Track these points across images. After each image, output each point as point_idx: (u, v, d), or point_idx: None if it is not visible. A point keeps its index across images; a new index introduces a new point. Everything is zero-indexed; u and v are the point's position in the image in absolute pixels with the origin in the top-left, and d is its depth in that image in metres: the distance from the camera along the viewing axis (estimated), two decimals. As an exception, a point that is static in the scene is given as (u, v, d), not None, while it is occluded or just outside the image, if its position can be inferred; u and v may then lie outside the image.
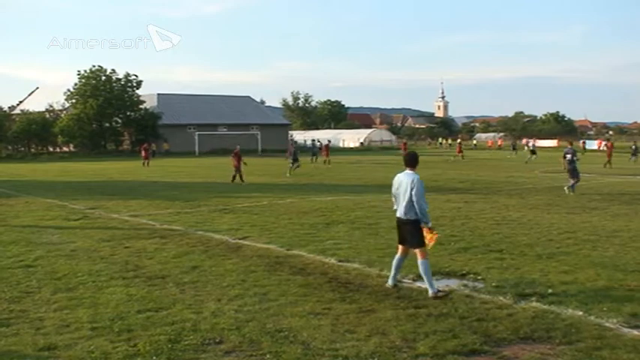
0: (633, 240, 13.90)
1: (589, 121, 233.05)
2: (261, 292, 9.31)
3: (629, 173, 37.91)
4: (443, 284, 9.90)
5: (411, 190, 9.26)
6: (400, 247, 9.69)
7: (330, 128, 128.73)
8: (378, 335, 7.38)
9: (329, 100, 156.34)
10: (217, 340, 7.24)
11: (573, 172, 25.03)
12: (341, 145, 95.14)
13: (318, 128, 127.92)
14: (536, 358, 6.69)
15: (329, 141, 53.75)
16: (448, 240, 13.71)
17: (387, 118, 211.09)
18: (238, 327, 7.68)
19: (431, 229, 9.38)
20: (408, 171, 9.59)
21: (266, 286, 9.66)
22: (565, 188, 24.59)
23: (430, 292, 9.03)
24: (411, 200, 9.26)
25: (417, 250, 9.30)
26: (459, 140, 70.25)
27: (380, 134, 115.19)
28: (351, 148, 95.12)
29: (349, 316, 8.16)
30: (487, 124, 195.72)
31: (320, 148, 51.50)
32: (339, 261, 11.62)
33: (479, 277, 10.30)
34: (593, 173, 38.07)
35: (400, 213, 9.49)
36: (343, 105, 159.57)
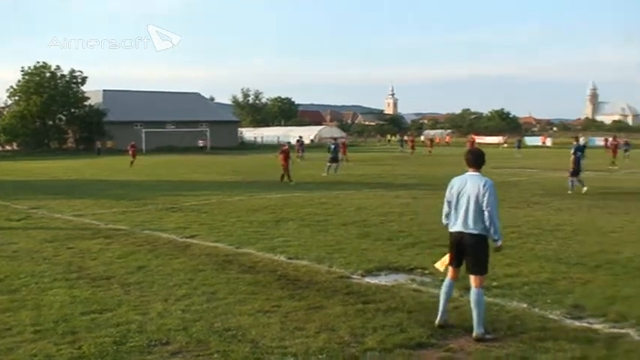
0: (576, 233, 14.23)
1: (533, 118, 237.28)
2: (209, 292, 9.25)
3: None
4: (392, 279, 10.00)
5: (483, 196, 7.32)
6: (451, 269, 7.75)
7: (280, 125, 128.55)
8: (326, 331, 7.40)
9: (279, 97, 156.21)
10: (164, 341, 7.16)
11: (577, 169, 24.28)
12: (292, 142, 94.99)
13: (268, 125, 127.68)
14: (482, 350, 6.80)
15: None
16: (396, 235, 13.86)
17: (337, 115, 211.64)
18: (185, 327, 7.62)
19: (498, 248, 7.58)
20: (472, 172, 7.60)
21: (214, 285, 9.60)
22: (583, 190, 23.41)
23: (477, 332, 7.20)
24: (480, 210, 7.34)
25: (474, 276, 7.43)
26: (408, 136, 70.64)
27: (330, 131, 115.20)
28: (295, 145, 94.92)
29: (298, 313, 8.17)
30: (435, 121, 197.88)
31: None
32: (289, 258, 11.62)
33: (426, 272, 10.42)
34: (536, 168, 38.83)
35: (461, 226, 7.47)
36: (293, 102, 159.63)
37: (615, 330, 7.52)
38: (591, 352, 6.70)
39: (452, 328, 7.48)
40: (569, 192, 23.32)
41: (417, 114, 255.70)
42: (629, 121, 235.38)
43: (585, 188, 23.32)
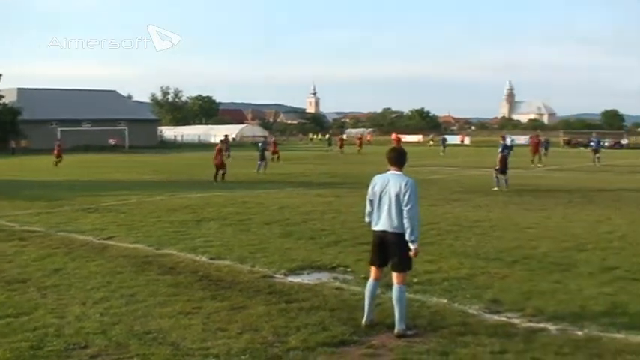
0: (493, 229, 14.57)
1: (452, 117, 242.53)
2: (128, 294, 9.03)
3: (489, 166, 39.65)
4: (314, 277, 10.01)
5: (404, 196, 7.27)
6: (374, 269, 7.68)
7: (201, 124, 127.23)
8: (249, 332, 7.33)
9: (200, 96, 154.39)
10: (82, 345, 6.96)
11: (504, 167, 24.51)
12: (212, 140, 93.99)
13: (188, 124, 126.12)
14: (403, 346, 6.86)
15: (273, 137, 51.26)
16: (319, 234, 13.89)
17: (259, 114, 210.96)
18: (104, 330, 7.42)
19: (414, 252, 7.35)
20: (394, 171, 7.55)
21: (133, 287, 9.38)
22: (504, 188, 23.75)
23: (399, 328, 7.25)
24: (400, 209, 7.30)
25: (397, 273, 7.43)
26: (332, 134, 71.14)
27: (252, 130, 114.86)
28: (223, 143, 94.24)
29: (220, 313, 8.07)
30: (357, 120, 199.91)
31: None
32: (210, 258, 11.47)
33: (349, 270, 10.47)
34: (455, 167, 39.61)
35: (384, 225, 7.43)
36: (214, 100, 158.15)
37: (532, 324, 7.70)
38: (510, 346, 6.84)
39: (375, 325, 7.52)
40: (495, 189, 23.76)
41: (338, 113, 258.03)
42: (545, 120, 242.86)
43: (506, 188, 23.83)
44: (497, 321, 7.80)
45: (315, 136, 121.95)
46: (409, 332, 7.22)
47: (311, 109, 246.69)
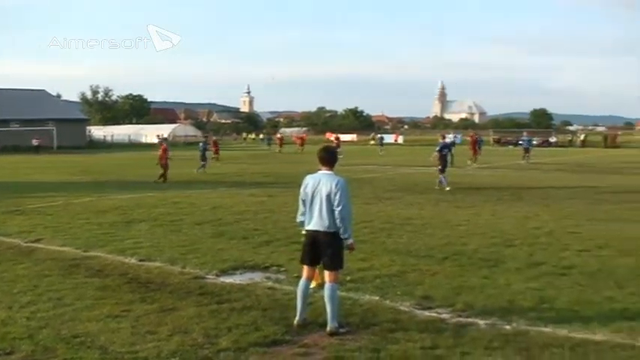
0: (425, 227, 14.74)
1: (386, 116, 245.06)
2: (55, 297, 8.79)
3: (421, 165, 40.19)
4: (247, 277, 9.94)
5: (335, 195, 7.27)
6: (306, 268, 7.67)
7: (132, 123, 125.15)
8: (180, 334, 7.22)
9: (130, 95, 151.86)
10: (8, 351, 6.73)
11: (444, 166, 24.74)
12: (144, 140, 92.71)
13: (119, 123, 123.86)
14: (336, 344, 6.86)
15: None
16: (252, 234, 13.81)
17: (192, 113, 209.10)
18: (31, 335, 7.20)
19: (350, 247, 7.48)
20: (325, 171, 7.54)
21: (61, 291, 9.13)
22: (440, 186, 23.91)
23: (331, 326, 7.24)
24: (332, 209, 7.29)
25: (329, 272, 7.42)
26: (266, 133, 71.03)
27: (184, 129, 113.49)
28: (154, 143, 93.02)
29: (150, 316, 7.93)
30: (291, 119, 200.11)
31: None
32: (140, 260, 11.26)
33: (281, 269, 10.44)
34: (389, 165, 40.01)
35: (316, 225, 7.42)
36: (146, 99, 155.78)
37: (462, 319, 7.80)
38: (440, 342, 6.91)
39: (307, 324, 7.50)
40: (437, 188, 23.93)
41: (272, 112, 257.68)
42: (476, 118, 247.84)
43: (446, 187, 24.05)
44: (427, 317, 7.88)
45: (249, 136, 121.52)
46: (341, 330, 7.23)
47: (245, 109, 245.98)
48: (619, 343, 6.88)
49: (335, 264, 7.43)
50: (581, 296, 8.76)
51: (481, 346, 6.82)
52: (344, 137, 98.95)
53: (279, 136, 69.35)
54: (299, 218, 7.79)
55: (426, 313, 8.07)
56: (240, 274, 10.28)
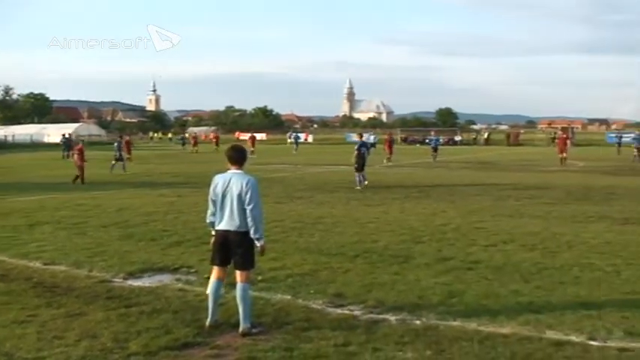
0: (336, 225, 14.83)
1: (295, 115, 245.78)
2: (-46, 304, 8.40)
3: (332, 163, 40.48)
4: (156, 280, 9.75)
5: (245, 194, 7.24)
6: (217, 269, 7.56)
7: (33, 123, 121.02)
8: (87, 339, 7.00)
9: (32, 93, 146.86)
10: None
11: (362, 164, 24.71)
12: (46, 140, 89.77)
13: (20, 123, 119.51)
14: (249, 345, 6.80)
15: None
16: (161, 235, 13.56)
17: (96, 112, 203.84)
18: None
19: (261, 249, 7.42)
20: (235, 170, 7.49)
21: (-40, 297, 8.74)
22: (364, 184, 24.19)
23: (243, 326, 7.21)
24: (243, 208, 7.25)
25: (240, 272, 7.39)
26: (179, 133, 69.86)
27: (88, 129, 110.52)
28: (57, 143, 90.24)
29: (57, 321, 7.66)
30: (199, 118, 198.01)
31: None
32: (45, 264, 10.88)
33: (192, 270, 10.30)
34: (299, 164, 40.11)
35: (226, 224, 7.36)
36: (48, 98, 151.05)
37: (374, 315, 7.88)
38: (352, 338, 6.95)
39: (219, 325, 7.41)
40: (358, 188, 23.85)
41: (180, 111, 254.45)
42: (384, 118, 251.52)
43: (366, 182, 24.20)
44: (340, 314, 7.92)
45: (155, 135, 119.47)
46: (254, 330, 7.18)
47: (151, 107, 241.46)
48: (526, 336, 7.08)
49: (246, 263, 7.37)
50: (488, 290, 8.99)
51: (392, 341, 6.90)
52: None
53: (193, 135, 68.12)
54: (209, 219, 7.68)
55: (339, 310, 8.11)
56: (149, 276, 10.07)
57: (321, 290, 8.97)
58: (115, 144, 35.28)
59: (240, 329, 7.17)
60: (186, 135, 69.38)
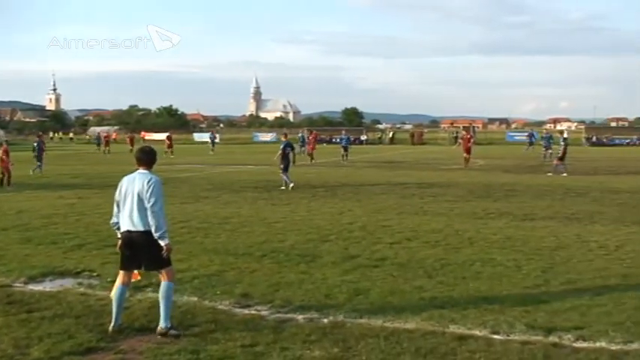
0: (243, 225, 14.78)
1: (201, 115, 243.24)
2: None
3: (239, 163, 40.30)
4: (57, 284, 9.48)
5: (147, 193, 7.09)
6: (122, 273, 7.41)
7: None
8: (-15, 346, 6.76)
9: None
10: None
11: (287, 165, 24.51)
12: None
13: None
14: (154, 348, 6.70)
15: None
16: (62, 238, 13.17)
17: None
18: None
19: (167, 248, 7.19)
20: (142, 171, 7.35)
21: None
22: (290, 186, 23.77)
23: (162, 325, 7.08)
24: (143, 207, 7.11)
25: (162, 271, 7.28)
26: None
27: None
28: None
29: (-48, 329, 7.36)
30: (101, 118, 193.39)
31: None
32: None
33: (94, 274, 10.06)
34: (205, 164, 39.74)
35: (128, 224, 7.22)
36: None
37: (281, 315, 7.91)
38: (260, 338, 6.95)
39: (123, 329, 7.27)
40: (283, 187, 23.64)
41: (81, 110, 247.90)
42: (291, 117, 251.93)
43: (289, 186, 23.89)
44: (247, 315, 7.91)
45: (56, 135, 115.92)
46: (173, 332, 7.07)
47: (51, 107, 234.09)
48: (430, 331, 7.24)
49: (161, 262, 7.24)
50: (393, 287, 9.16)
51: (300, 340, 6.94)
52: (158, 136, 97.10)
53: (105, 135, 66.01)
54: (113, 220, 7.54)
55: (246, 311, 8.09)
56: (51, 280, 9.78)
57: (227, 291, 8.93)
58: (35, 144, 34.19)
59: (159, 328, 7.08)
60: (106, 134, 67.00)
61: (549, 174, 29.92)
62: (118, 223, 7.43)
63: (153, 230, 7.10)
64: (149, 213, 7.08)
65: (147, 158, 7.43)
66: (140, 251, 7.21)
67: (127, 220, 7.24)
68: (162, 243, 7.14)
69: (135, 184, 7.23)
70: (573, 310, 7.99)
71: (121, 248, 7.40)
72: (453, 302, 8.37)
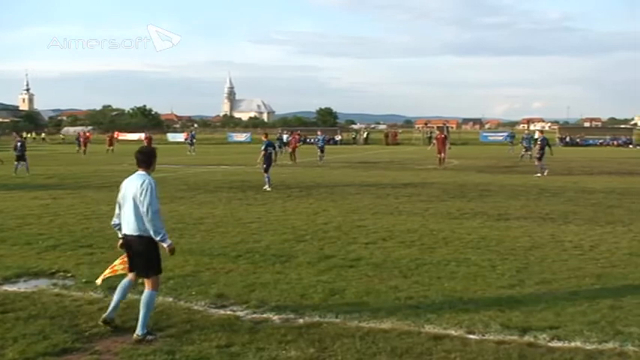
0: (218, 226, 14.77)
1: (175, 115, 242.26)
2: None
3: (213, 163, 40.18)
4: (32, 285, 9.42)
5: (141, 196, 7.08)
6: (131, 272, 7.56)
7: None
8: (-42, 348, 6.72)
9: None
10: None
11: (268, 164, 24.55)
12: None
13: None
14: (129, 349, 6.71)
15: None
16: (36, 239, 13.08)
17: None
18: None
19: (170, 249, 7.28)
20: (140, 172, 7.35)
21: None
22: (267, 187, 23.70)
23: (139, 332, 7.02)
24: (138, 210, 7.11)
25: (145, 279, 7.34)
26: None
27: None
28: None
29: None
30: (75, 118, 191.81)
31: None
32: None
33: (69, 275, 10.03)
34: (179, 164, 39.57)
35: (125, 228, 7.27)
36: None
37: (257, 315, 7.94)
38: (236, 339, 6.98)
39: (112, 324, 7.27)
40: (266, 188, 23.54)
41: (54, 110, 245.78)
42: (265, 117, 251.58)
43: (269, 187, 23.64)
44: (222, 315, 7.93)
45: (29, 135, 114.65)
46: (150, 337, 7.04)
47: (24, 107, 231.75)
48: (406, 331, 7.31)
49: (148, 269, 7.29)
50: (369, 287, 9.22)
51: (275, 340, 6.97)
52: (131, 136, 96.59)
53: (84, 134, 65.16)
54: (114, 220, 7.57)
55: (221, 311, 8.11)
56: (25, 281, 9.73)
57: (203, 291, 8.94)
58: (19, 144, 33.84)
59: (134, 336, 7.04)
60: (84, 134, 66.02)
61: (537, 175, 29.75)
62: (119, 224, 7.46)
63: (152, 235, 7.13)
64: (144, 218, 7.09)
65: (145, 159, 7.42)
66: (135, 255, 7.31)
67: (124, 223, 7.31)
68: (164, 245, 7.21)
69: (132, 186, 7.25)
70: (548, 309, 8.10)
71: (123, 249, 7.50)
72: (428, 302, 8.45)
